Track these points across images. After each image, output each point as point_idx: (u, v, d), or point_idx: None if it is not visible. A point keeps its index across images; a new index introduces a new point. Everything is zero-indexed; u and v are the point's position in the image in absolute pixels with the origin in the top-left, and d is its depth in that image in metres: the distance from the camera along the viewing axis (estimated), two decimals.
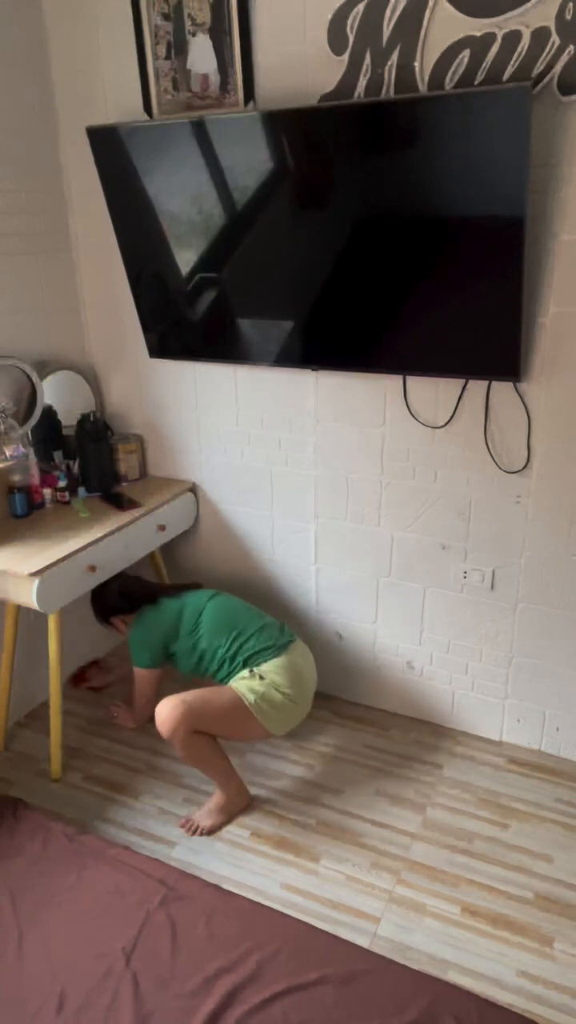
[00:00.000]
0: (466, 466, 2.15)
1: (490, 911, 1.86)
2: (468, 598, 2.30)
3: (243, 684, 2.08)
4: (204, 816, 2.12)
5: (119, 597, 2.34)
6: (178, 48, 2.02)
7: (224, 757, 2.11)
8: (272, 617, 2.30)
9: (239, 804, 2.15)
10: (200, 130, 1.92)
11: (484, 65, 1.72)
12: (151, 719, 2.19)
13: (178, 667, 2.29)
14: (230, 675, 2.14)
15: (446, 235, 1.83)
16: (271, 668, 2.11)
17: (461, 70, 1.75)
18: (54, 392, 2.46)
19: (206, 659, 2.19)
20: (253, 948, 1.70)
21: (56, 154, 2.35)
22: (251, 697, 2.04)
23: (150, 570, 2.76)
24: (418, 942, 1.79)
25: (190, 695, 2.03)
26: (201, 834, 2.09)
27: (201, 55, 2.00)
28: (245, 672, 2.11)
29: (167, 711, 1.99)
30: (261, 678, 2.08)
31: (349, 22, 1.82)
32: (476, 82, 1.74)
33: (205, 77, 2.02)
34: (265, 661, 2.12)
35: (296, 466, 2.41)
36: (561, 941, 1.78)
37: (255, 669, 2.11)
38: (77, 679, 2.73)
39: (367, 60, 1.83)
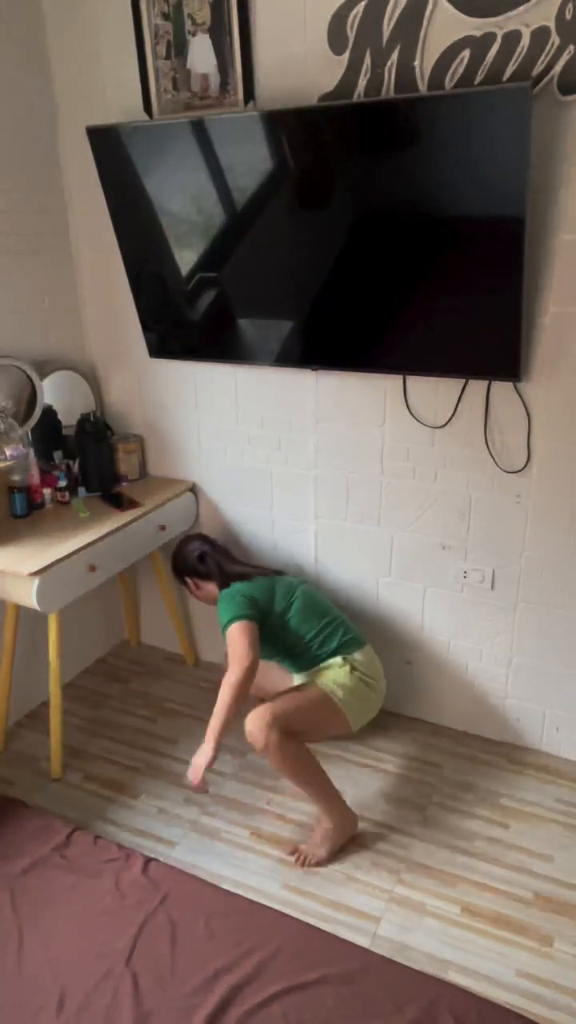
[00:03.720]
0: (466, 466, 2.15)
1: (490, 911, 1.86)
2: (468, 598, 2.30)
3: (331, 678, 2.03)
4: (315, 846, 1.99)
5: (198, 559, 2.26)
6: (178, 48, 2.02)
7: (324, 773, 1.97)
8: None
9: (348, 830, 2.02)
10: (200, 130, 1.92)
11: (484, 65, 1.72)
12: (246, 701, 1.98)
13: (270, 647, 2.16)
14: (316, 660, 2.10)
15: (446, 235, 1.83)
16: (363, 657, 2.10)
17: (461, 70, 1.75)
18: (54, 392, 2.46)
19: (290, 640, 2.12)
20: (253, 948, 1.70)
21: (56, 154, 2.35)
22: (340, 693, 2.00)
23: (150, 570, 2.76)
24: (418, 942, 1.79)
25: (274, 700, 1.95)
26: (313, 865, 1.97)
27: (201, 55, 2.00)
28: (337, 660, 2.08)
29: (255, 717, 1.87)
30: (353, 669, 2.05)
31: (349, 22, 1.82)
32: (476, 82, 1.74)
33: (205, 77, 2.02)
34: (357, 649, 2.11)
35: (296, 466, 2.41)
36: (561, 941, 1.78)
37: (347, 657, 2.08)
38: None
39: (367, 60, 1.83)
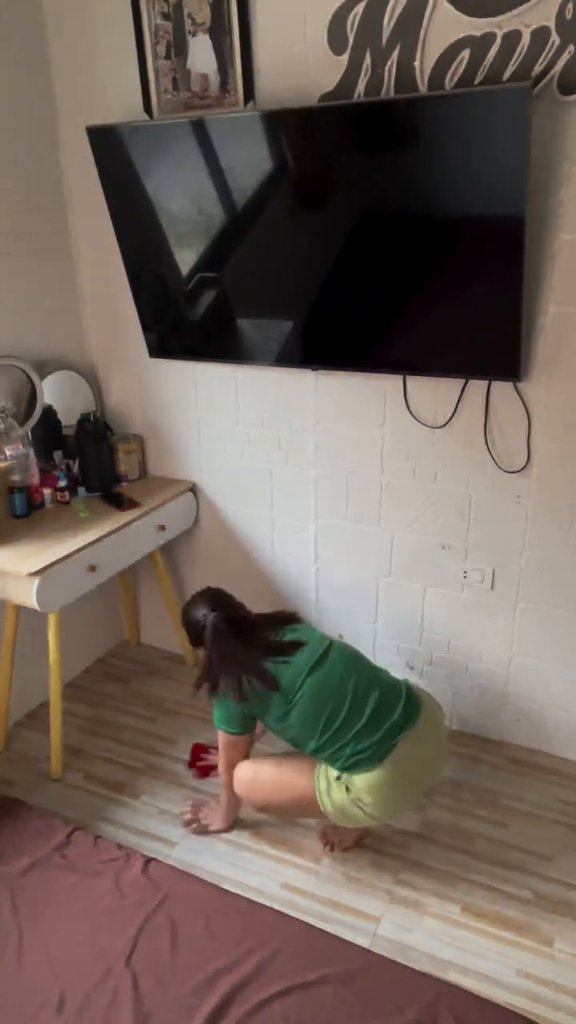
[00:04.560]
0: (466, 466, 2.15)
1: (490, 911, 1.86)
2: (468, 598, 2.30)
3: (325, 783, 1.81)
4: (344, 832, 2.01)
5: (203, 629, 1.90)
6: (178, 48, 2.02)
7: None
8: (389, 683, 1.87)
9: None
10: (200, 130, 1.92)
11: (484, 65, 1.72)
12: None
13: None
14: (320, 762, 1.86)
15: (446, 235, 1.83)
16: (362, 785, 1.76)
17: (461, 70, 1.75)
18: (54, 392, 2.46)
19: (298, 744, 1.87)
20: (253, 948, 1.70)
21: (56, 154, 2.35)
22: (328, 806, 1.80)
23: (150, 570, 2.76)
24: (418, 942, 1.79)
25: (265, 771, 1.90)
26: (341, 850, 2.01)
27: (201, 55, 2.00)
28: (335, 773, 1.81)
29: (238, 782, 1.93)
30: (348, 790, 1.78)
31: (349, 22, 1.82)
32: (476, 82, 1.74)
33: (205, 77, 2.02)
34: (358, 772, 1.77)
35: (296, 466, 2.41)
36: (561, 941, 1.78)
37: (344, 777, 1.79)
38: (194, 760, 2.36)
39: (367, 60, 1.83)
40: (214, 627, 1.87)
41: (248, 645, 1.86)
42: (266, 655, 1.84)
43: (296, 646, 1.87)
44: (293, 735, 1.85)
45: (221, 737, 1.94)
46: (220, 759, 1.99)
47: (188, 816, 2.11)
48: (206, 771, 2.31)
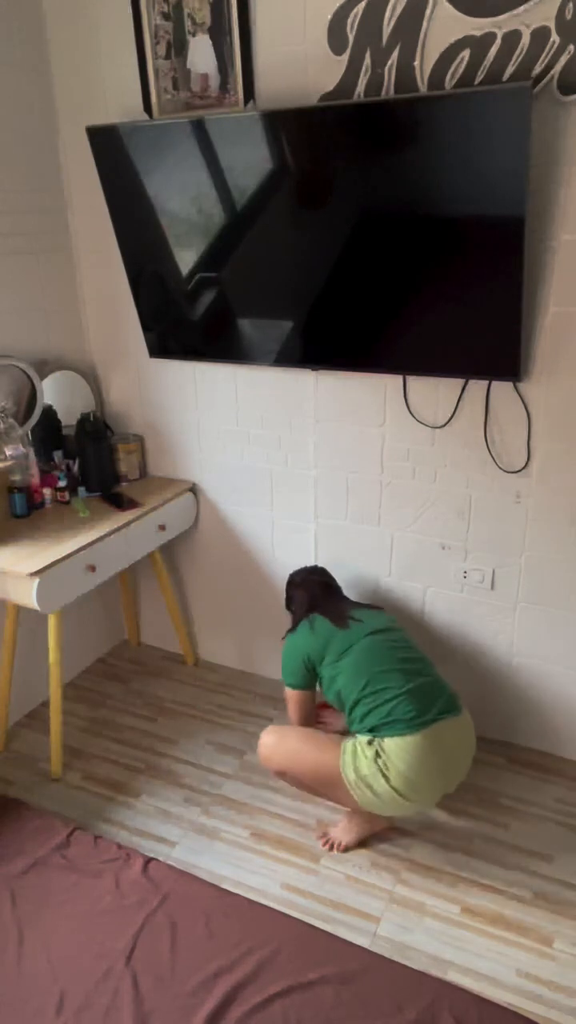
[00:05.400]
0: (466, 466, 2.15)
1: (490, 911, 1.86)
2: (468, 598, 2.30)
3: (351, 754, 1.80)
4: (343, 831, 2.02)
5: (289, 587, 2.26)
6: (178, 48, 2.02)
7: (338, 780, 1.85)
8: (436, 677, 1.94)
9: (379, 821, 2.01)
10: (200, 130, 1.92)
11: (484, 65, 1.72)
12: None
13: (322, 690, 2.04)
14: (353, 727, 1.88)
15: (446, 235, 1.83)
16: (394, 748, 1.75)
17: (461, 70, 1.75)
18: (54, 392, 2.46)
19: (342, 697, 1.92)
20: (253, 948, 1.70)
21: (56, 154, 2.35)
22: (351, 775, 1.78)
23: (150, 570, 2.76)
24: (418, 942, 1.79)
25: (291, 736, 1.94)
26: (340, 851, 2.01)
27: (201, 55, 2.00)
28: (365, 738, 1.81)
29: (262, 745, 1.96)
30: (378, 755, 1.76)
31: (349, 22, 1.82)
32: (476, 82, 1.74)
33: (205, 77, 2.02)
34: (392, 735, 1.76)
35: (296, 466, 2.41)
36: (561, 941, 1.78)
37: (376, 740, 1.78)
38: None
39: (367, 60, 1.83)
40: (304, 580, 2.23)
41: (328, 595, 2.19)
42: (341, 607, 2.10)
43: (368, 617, 2.05)
44: (339, 685, 1.91)
45: (291, 695, 2.09)
46: (292, 718, 2.12)
47: (323, 841, 2.05)
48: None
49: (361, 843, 2.02)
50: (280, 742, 1.94)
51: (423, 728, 1.77)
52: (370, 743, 1.79)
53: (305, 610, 2.12)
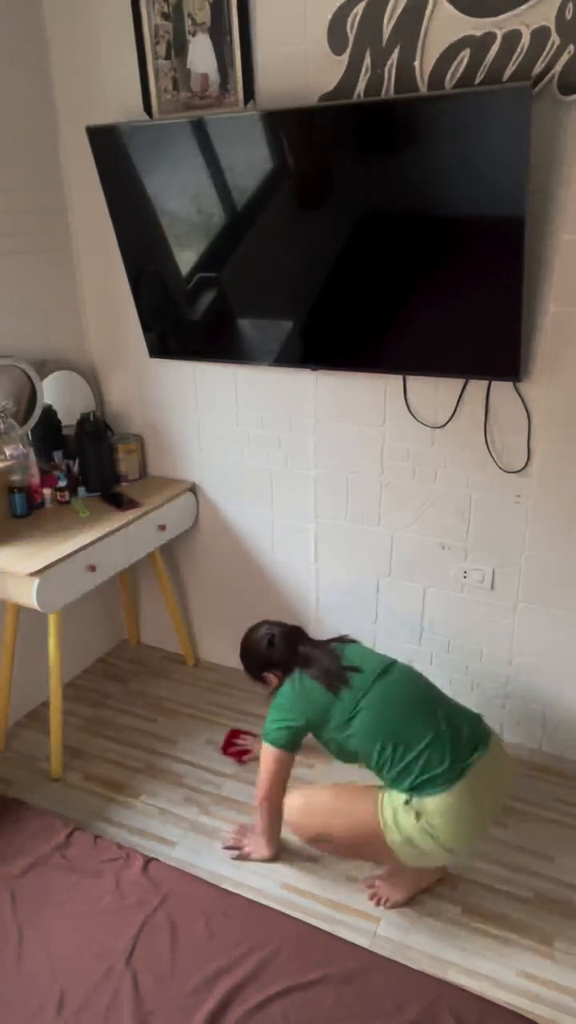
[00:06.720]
0: (466, 466, 2.15)
1: (490, 911, 1.86)
2: (468, 598, 2.30)
3: (391, 811, 1.68)
4: (392, 887, 1.87)
5: (269, 643, 1.93)
6: (178, 48, 2.02)
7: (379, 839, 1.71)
8: (453, 708, 1.80)
9: (432, 875, 1.88)
10: (200, 130, 1.92)
11: (484, 65, 1.72)
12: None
13: (327, 750, 1.88)
14: (384, 785, 1.76)
15: (446, 235, 1.83)
16: (435, 808, 1.64)
17: (461, 70, 1.75)
18: (54, 392, 2.46)
19: (360, 758, 1.78)
20: (253, 948, 1.70)
21: (56, 154, 2.35)
22: (395, 837, 1.67)
23: (150, 570, 2.76)
24: (418, 942, 1.79)
25: (320, 795, 1.79)
26: (388, 907, 1.85)
27: (201, 55, 2.00)
28: (402, 797, 1.69)
29: (290, 810, 1.82)
30: (418, 816, 1.65)
31: (349, 22, 1.82)
32: (476, 82, 1.74)
33: (205, 77, 2.02)
34: (430, 794, 1.65)
35: (296, 466, 2.41)
36: (561, 941, 1.78)
37: (414, 800, 1.67)
38: (227, 745, 2.38)
39: (367, 60, 1.83)
40: (284, 635, 1.94)
41: (317, 646, 1.92)
42: (336, 658, 1.86)
43: (360, 658, 1.87)
44: (355, 746, 1.75)
45: (271, 754, 1.83)
46: (263, 777, 1.85)
47: (231, 842, 2.03)
48: (240, 755, 2.31)
49: (414, 894, 1.87)
50: (309, 805, 1.79)
51: (460, 779, 1.66)
52: (407, 802, 1.67)
53: (296, 652, 1.89)
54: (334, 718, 1.77)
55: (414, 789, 1.67)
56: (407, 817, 1.66)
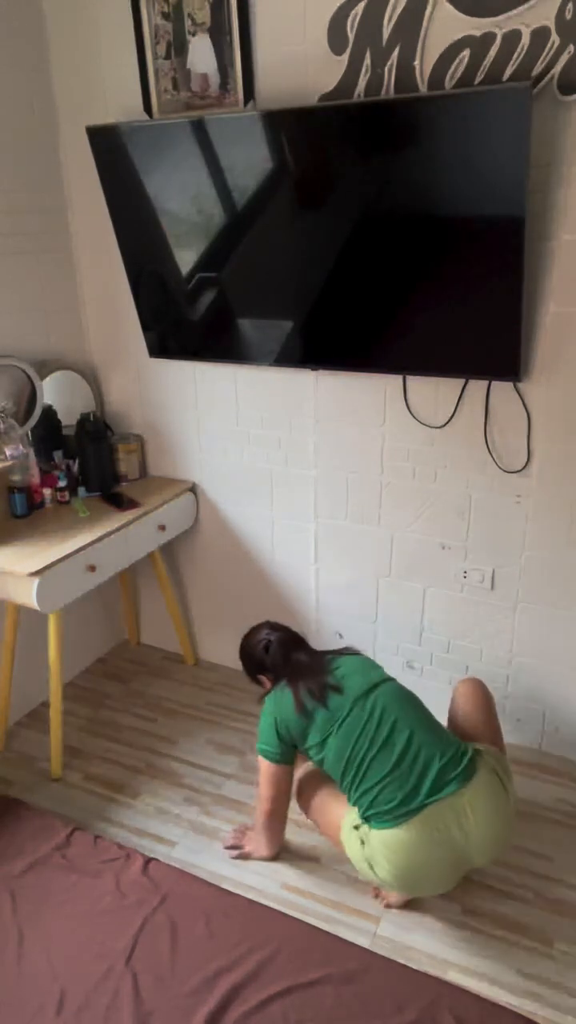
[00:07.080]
0: (466, 466, 2.15)
1: (490, 911, 1.86)
2: (468, 598, 2.30)
3: (348, 829, 1.73)
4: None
5: (264, 649, 1.92)
6: (178, 48, 2.02)
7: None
8: (434, 740, 1.71)
9: None
10: (200, 130, 1.92)
11: (484, 65, 1.72)
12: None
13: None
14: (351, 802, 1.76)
15: (446, 235, 1.83)
16: (379, 841, 1.64)
17: (461, 70, 1.75)
18: (54, 392, 2.46)
19: (334, 778, 1.79)
20: (253, 948, 1.70)
21: (56, 154, 2.35)
22: (347, 852, 1.74)
23: (150, 570, 2.76)
24: (418, 942, 1.79)
25: (309, 787, 1.89)
26: (384, 907, 1.86)
27: (201, 55, 2.00)
28: (357, 820, 1.71)
29: (298, 776, 1.91)
30: (363, 843, 1.67)
31: (349, 22, 1.82)
32: (476, 82, 1.74)
33: (205, 77, 2.02)
34: (377, 827, 1.65)
35: (296, 466, 2.41)
36: (561, 941, 1.78)
37: (363, 828, 1.68)
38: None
39: (367, 60, 1.83)
40: (280, 642, 1.91)
41: (312, 658, 1.89)
42: (324, 674, 1.82)
43: (349, 675, 1.81)
44: (326, 767, 1.76)
45: (263, 766, 1.85)
46: (261, 792, 1.88)
47: (231, 841, 2.04)
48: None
49: (411, 902, 1.86)
50: (301, 783, 1.91)
51: (410, 817, 1.61)
52: (356, 828, 1.70)
53: (286, 677, 1.86)
54: (309, 738, 1.77)
55: (367, 819, 1.69)
56: (354, 841, 1.70)
